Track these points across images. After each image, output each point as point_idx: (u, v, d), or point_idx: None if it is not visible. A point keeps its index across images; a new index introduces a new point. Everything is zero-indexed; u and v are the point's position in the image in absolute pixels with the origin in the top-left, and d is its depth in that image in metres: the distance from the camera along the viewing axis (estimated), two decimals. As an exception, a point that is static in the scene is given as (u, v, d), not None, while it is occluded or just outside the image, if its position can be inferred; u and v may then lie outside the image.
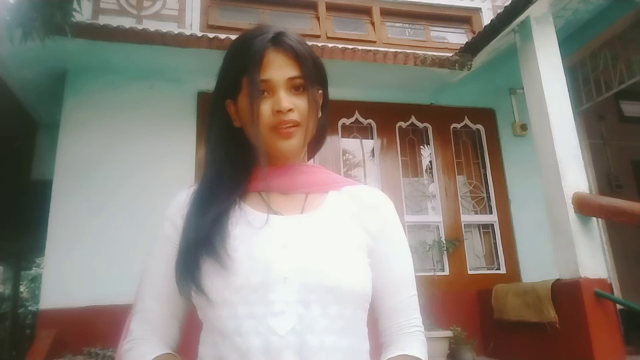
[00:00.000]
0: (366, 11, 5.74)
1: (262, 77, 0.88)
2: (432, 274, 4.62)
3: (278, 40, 0.90)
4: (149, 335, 0.89)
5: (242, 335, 0.79)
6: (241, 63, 0.90)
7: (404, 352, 0.89)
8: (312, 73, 0.92)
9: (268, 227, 0.87)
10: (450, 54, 4.85)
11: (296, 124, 0.89)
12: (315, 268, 0.82)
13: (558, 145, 3.77)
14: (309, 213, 0.91)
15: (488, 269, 4.98)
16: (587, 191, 3.78)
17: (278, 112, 0.87)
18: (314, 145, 1.02)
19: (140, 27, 4.31)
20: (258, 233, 0.86)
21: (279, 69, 0.89)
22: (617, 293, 4.59)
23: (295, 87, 0.90)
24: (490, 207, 5.18)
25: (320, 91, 0.98)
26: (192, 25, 5.05)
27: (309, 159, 1.03)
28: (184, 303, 0.90)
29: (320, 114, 0.97)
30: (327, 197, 0.95)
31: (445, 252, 4.81)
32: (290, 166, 0.95)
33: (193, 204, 0.92)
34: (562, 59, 4.06)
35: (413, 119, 5.24)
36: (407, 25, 6.03)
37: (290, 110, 0.88)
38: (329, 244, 0.87)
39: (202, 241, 0.85)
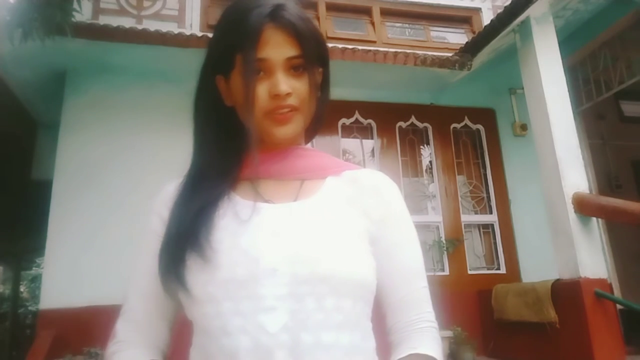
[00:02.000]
0: (366, 11, 5.74)
1: (258, 55, 0.79)
2: (432, 274, 4.62)
3: (277, 15, 0.80)
4: (135, 337, 0.84)
5: (228, 334, 0.72)
6: (235, 38, 0.81)
7: (416, 350, 0.80)
8: (313, 52, 0.83)
9: (257, 217, 0.79)
10: (450, 54, 4.85)
11: (294, 109, 0.81)
12: (307, 257, 0.74)
13: (558, 145, 3.77)
14: (303, 200, 0.83)
15: (488, 269, 4.98)
16: (587, 191, 3.78)
17: (275, 96, 0.79)
18: (312, 127, 0.91)
19: (140, 27, 4.31)
20: (246, 223, 0.78)
21: (277, 48, 0.80)
22: (617, 293, 4.59)
23: (294, 68, 0.81)
24: (490, 207, 5.18)
25: (321, 69, 0.89)
26: (192, 25, 5.05)
27: (306, 142, 0.95)
28: (172, 302, 0.82)
29: (319, 94, 0.88)
30: (325, 183, 0.86)
31: (445, 252, 4.81)
32: (285, 150, 0.87)
33: (179, 194, 0.85)
34: (562, 59, 4.06)
35: (413, 119, 5.24)
36: (407, 25, 6.03)
37: (288, 94, 0.79)
38: (323, 232, 0.78)
39: (185, 233, 0.78)
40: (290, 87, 0.80)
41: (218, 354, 0.72)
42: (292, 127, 0.82)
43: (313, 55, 0.83)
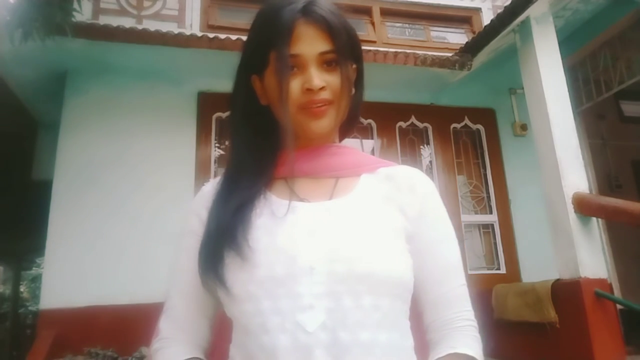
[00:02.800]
0: (366, 11, 5.74)
1: (291, 51, 0.80)
2: (432, 274, 4.63)
3: (309, 11, 0.81)
4: (177, 335, 0.85)
5: (268, 332, 0.72)
6: (268, 36, 0.82)
7: (455, 350, 0.78)
8: (345, 46, 0.84)
9: (293, 216, 0.80)
10: (450, 54, 4.85)
11: (328, 103, 0.82)
12: (344, 255, 0.74)
13: (558, 145, 3.77)
14: (338, 198, 0.83)
15: (488, 269, 4.98)
16: (587, 191, 3.78)
17: (308, 90, 0.80)
18: (347, 125, 0.93)
19: (140, 27, 4.31)
20: (282, 222, 0.79)
21: (309, 43, 0.81)
22: (617, 293, 4.59)
23: (327, 63, 0.82)
24: (490, 207, 5.18)
25: (354, 66, 0.90)
26: (192, 25, 5.05)
27: (340, 140, 0.95)
28: (212, 300, 0.83)
29: (353, 91, 0.89)
30: (360, 180, 0.86)
31: (445, 252, 4.80)
32: (319, 148, 0.88)
33: (217, 194, 0.86)
34: (562, 59, 4.05)
35: (413, 119, 5.24)
36: (407, 25, 6.02)
37: (322, 88, 0.80)
38: (360, 230, 0.78)
39: (223, 232, 0.79)
40: (324, 81, 0.81)
41: (258, 352, 0.73)
42: (327, 121, 0.83)
43: (346, 50, 0.84)
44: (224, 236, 0.79)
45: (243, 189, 0.84)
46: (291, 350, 0.71)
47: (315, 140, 0.86)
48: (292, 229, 0.78)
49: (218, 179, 0.91)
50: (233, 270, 0.76)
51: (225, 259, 0.77)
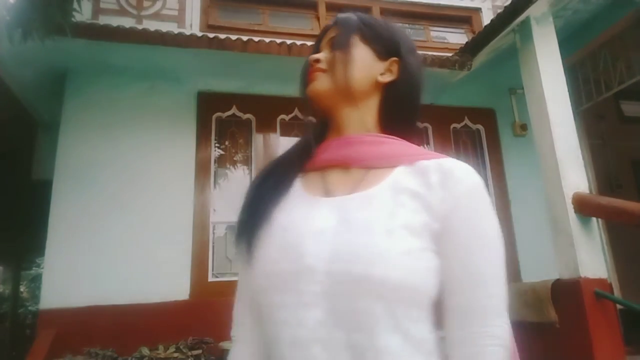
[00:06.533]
0: (366, 11, 5.73)
1: (316, 46, 0.97)
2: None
3: (337, 18, 0.98)
4: (243, 335, 0.90)
5: (275, 324, 0.76)
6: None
7: None
8: (348, 32, 0.93)
9: (312, 212, 0.81)
10: (450, 54, 4.85)
11: (320, 70, 0.90)
12: (345, 256, 0.72)
13: (558, 145, 3.77)
14: (361, 192, 0.80)
15: (488, 269, 4.97)
16: (587, 191, 3.78)
17: (309, 63, 0.93)
18: (390, 121, 0.92)
19: (140, 27, 4.31)
20: (300, 219, 0.81)
21: (327, 36, 0.96)
22: (617, 293, 4.59)
23: (332, 45, 0.93)
24: (490, 207, 5.17)
25: (395, 58, 0.93)
26: (192, 25, 5.05)
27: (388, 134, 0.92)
28: None
29: (389, 76, 0.92)
30: (392, 172, 0.82)
31: (445, 252, 4.80)
32: (351, 136, 0.88)
33: (248, 191, 0.91)
34: (562, 59, 4.05)
35: (413, 119, 5.23)
36: (407, 25, 6.02)
37: (316, 60, 0.91)
38: (370, 228, 0.74)
39: (241, 232, 0.85)
40: (322, 56, 0.92)
41: (271, 343, 0.78)
42: (318, 84, 0.90)
43: (346, 33, 0.92)
44: (241, 235, 0.84)
45: (272, 186, 0.88)
46: (292, 344, 0.73)
47: (343, 125, 0.90)
48: (305, 225, 0.79)
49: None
50: (252, 266, 0.81)
51: (247, 255, 0.82)
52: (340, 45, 0.90)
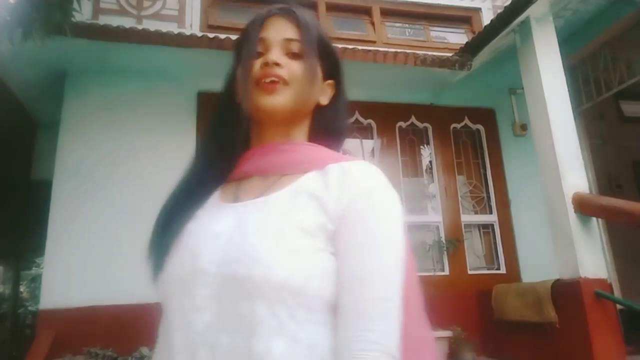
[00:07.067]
0: (366, 11, 5.74)
1: (259, 35, 0.85)
2: (432, 274, 4.62)
3: (284, 9, 0.88)
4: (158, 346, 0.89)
5: (172, 329, 0.75)
6: (248, 29, 0.88)
7: None
8: (313, 42, 0.85)
9: (214, 216, 0.81)
10: (450, 54, 4.85)
11: (283, 82, 0.81)
12: (232, 258, 0.71)
13: (558, 145, 3.77)
14: (264, 197, 0.79)
15: (488, 269, 4.98)
16: (587, 191, 3.78)
17: (265, 64, 0.82)
18: (326, 138, 0.89)
19: (140, 27, 4.31)
20: (203, 223, 0.81)
21: (276, 30, 0.86)
22: (617, 293, 4.59)
23: (292, 53, 0.84)
24: (490, 207, 5.18)
25: (332, 81, 0.90)
26: (192, 25, 5.06)
27: None
28: None
29: (325, 99, 0.89)
30: (302, 177, 0.80)
31: (445, 252, 4.81)
32: (270, 145, 0.85)
33: (168, 199, 0.90)
34: (562, 59, 4.06)
35: (413, 119, 5.24)
36: (407, 25, 6.03)
37: (276, 64, 0.81)
38: (259, 230, 0.73)
39: (158, 235, 0.86)
40: (283, 62, 0.82)
41: (166, 347, 0.76)
42: (279, 99, 0.81)
43: (313, 45, 0.86)
44: (157, 240, 0.85)
45: (194, 194, 0.86)
46: (183, 348, 0.71)
47: (269, 137, 0.86)
48: (204, 230, 0.79)
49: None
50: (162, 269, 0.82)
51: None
52: (307, 60, 0.84)
